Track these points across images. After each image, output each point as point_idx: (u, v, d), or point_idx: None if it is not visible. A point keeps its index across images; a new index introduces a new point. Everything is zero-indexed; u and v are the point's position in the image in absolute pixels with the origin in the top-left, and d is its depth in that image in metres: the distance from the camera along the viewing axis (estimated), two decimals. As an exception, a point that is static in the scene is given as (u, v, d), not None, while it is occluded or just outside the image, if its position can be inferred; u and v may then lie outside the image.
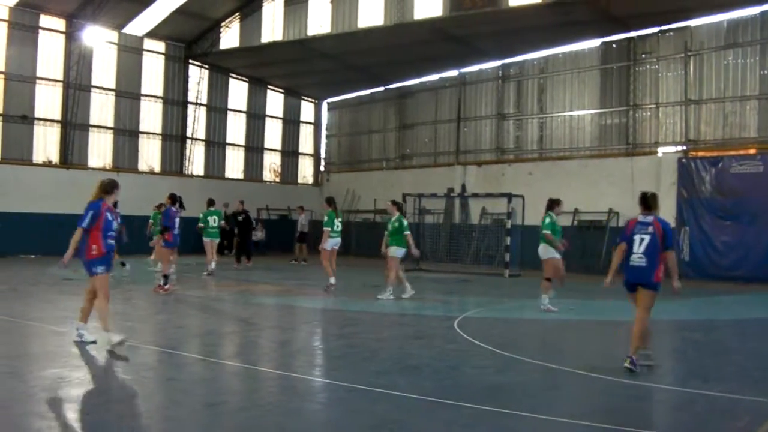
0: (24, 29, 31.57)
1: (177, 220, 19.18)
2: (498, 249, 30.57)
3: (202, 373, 9.53)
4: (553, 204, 17.05)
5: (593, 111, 32.57)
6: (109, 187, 11.08)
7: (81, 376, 8.89)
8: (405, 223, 18.72)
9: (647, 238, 10.23)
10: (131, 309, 15.70)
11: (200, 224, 24.11)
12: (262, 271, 26.56)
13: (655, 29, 30.47)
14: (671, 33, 30.24)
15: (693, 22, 29.59)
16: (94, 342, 10.54)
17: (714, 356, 12.18)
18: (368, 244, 36.73)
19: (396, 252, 18.41)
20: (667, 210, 28.68)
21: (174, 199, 19.45)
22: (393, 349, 11.59)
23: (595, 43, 32.38)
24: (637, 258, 10.26)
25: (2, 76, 31.09)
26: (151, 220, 25.39)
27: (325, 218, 19.70)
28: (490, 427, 7.33)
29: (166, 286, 18.34)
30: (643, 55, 30.98)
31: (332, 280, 19.51)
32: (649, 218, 10.44)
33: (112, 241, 10.85)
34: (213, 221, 24.29)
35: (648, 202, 10.69)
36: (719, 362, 11.59)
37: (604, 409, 8.23)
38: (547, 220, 16.55)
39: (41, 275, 22.58)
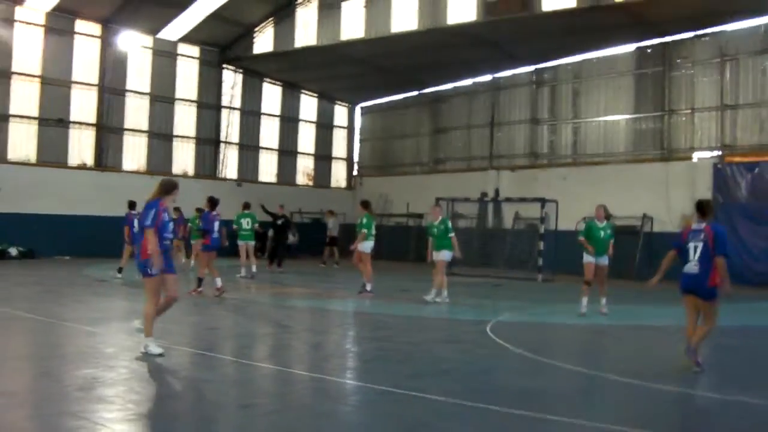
0: (60, 34, 31.91)
1: (216, 223, 19.12)
2: (531, 253, 30.41)
3: (235, 375, 9.56)
4: (596, 210, 17.40)
5: (628, 116, 32.36)
6: (169, 187, 10.83)
7: (114, 376, 8.94)
8: (450, 225, 18.78)
9: (700, 245, 10.32)
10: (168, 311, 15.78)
11: (234, 226, 24.16)
12: (294, 274, 26.62)
13: (691, 34, 30.24)
14: (707, 38, 30.00)
15: (729, 27, 29.32)
16: (161, 355, 10.12)
17: (751, 363, 12.04)
18: (400, 248, 36.78)
19: (445, 256, 18.37)
20: (702, 216, 28.44)
21: (213, 202, 19.42)
22: (425, 353, 11.57)
23: (629, 47, 32.18)
24: (692, 266, 10.40)
25: (38, 80, 31.40)
26: (190, 224, 25.48)
27: (363, 220, 19.41)
28: (522, 432, 7.31)
29: (199, 289, 18.41)
30: (679, 60, 30.75)
31: (369, 287, 19.37)
32: (702, 225, 10.41)
33: (167, 242, 10.65)
34: (246, 224, 24.36)
35: (703, 209, 10.73)
36: (756, 369, 11.46)
37: (639, 415, 8.16)
38: (583, 225, 16.75)
39: (76, 276, 22.78)
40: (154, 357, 9.98)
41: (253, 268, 23.92)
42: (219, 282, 18.13)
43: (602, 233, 16.94)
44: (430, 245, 18.79)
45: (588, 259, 16.68)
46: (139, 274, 10.41)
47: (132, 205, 22.18)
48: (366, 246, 19.36)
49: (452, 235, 18.47)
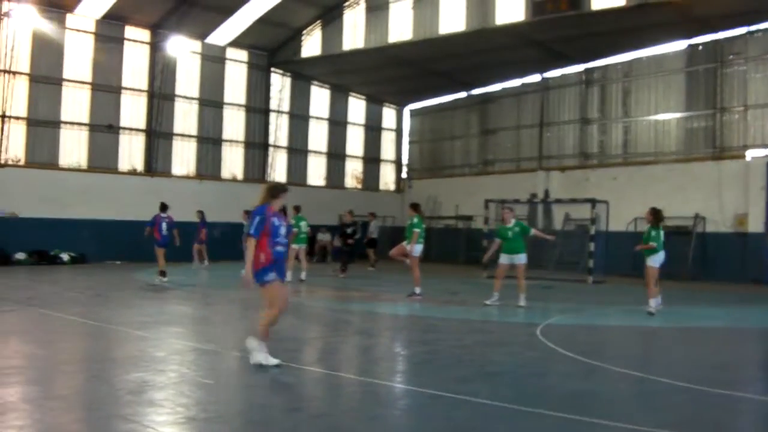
0: (109, 41, 32.31)
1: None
2: (581, 255, 30.19)
3: (284, 379, 9.54)
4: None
5: (679, 114, 32.02)
6: (275, 191, 10.32)
7: (164, 380, 8.98)
8: (526, 226, 18.88)
9: None
10: (214, 314, 15.86)
11: (294, 229, 23.85)
12: (342, 278, 26.59)
13: (743, 30, 29.85)
14: (760, 33, 29.59)
15: (782, 21, 28.97)
16: (278, 366, 9.76)
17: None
18: (449, 250, 36.71)
19: (523, 259, 18.15)
20: (757, 215, 28.11)
21: (298, 210, 19.16)
22: (474, 356, 11.49)
23: (680, 45, 31.85)
24: None
25: (89, 86, 31.80)
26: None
27: (414, 220, 19.11)
28: (573, 436, 7.21)
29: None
30: (731, 57, 30.35)
31: (418, 290, 19.25)
32: None
33: (281, 248, 10.09)
34: (304, 227, 24.18)
35: None
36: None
37: (692, 418, 8.02)
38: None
39: (126, 281, 22.98)
40: (269, 367, 9.67)
41: (303, 275, 23.81)
42: None
43: (651, 237, 17.29)
44: (493, 248, 18.63)
45: (649, 262, 17.25)
46: (255, 283, 9.84)
47: (164, 207, 22.33)
48: (416, 249, 19.20)
49: (533, 232, 18.84)
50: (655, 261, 17.08)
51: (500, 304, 18.01)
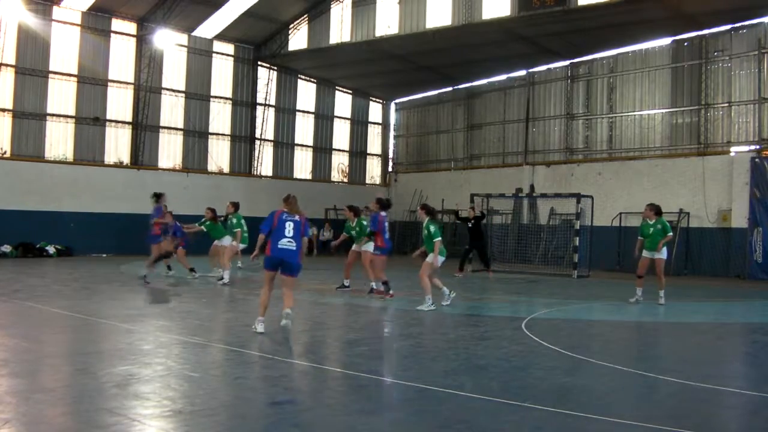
0: (96, 33, 32.25)
1: (386, 224, 18.32)
2: (566, 250, 30.29)
3: (270, 372, 9.57)
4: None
5: (664, 110, 32.17)
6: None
7: (150, 373, 8.98)
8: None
9: None
10: (200, 307, 15.86)
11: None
12: (332, 272, 26.51)
13: (728, 27, 29.99)
14: (744, 30, 29.76)
15: (766, 19, 29.05)
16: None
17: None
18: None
19: (664, 254, 18.17)
20: (740, 210, 28.26)
21: (382, 203, 18.36)
22: (460, 350, 11.52)
23: (666, 41, 31.98)
24: None
25: (75, 79, 31.74)
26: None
27: (432, 229, 16.34)
28: (558, 429, 7.25)
29: (390, 293, 18.05)
30: (716, 53, 30.49)
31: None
32: None
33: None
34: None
35: None
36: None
37: (675, 412, 8.07)
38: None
39: (113, 274, 22.94)
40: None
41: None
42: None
43: (651, 230, 17.92)
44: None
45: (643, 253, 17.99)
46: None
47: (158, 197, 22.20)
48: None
49: (670, 234, 18.14)
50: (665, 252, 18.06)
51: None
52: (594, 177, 32.94)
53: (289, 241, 11.96)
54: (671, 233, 17.45)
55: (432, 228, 16.32)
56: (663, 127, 32.28)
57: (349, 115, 42.59)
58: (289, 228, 11.94)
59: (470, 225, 25.94)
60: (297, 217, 12.14)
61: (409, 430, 7.16)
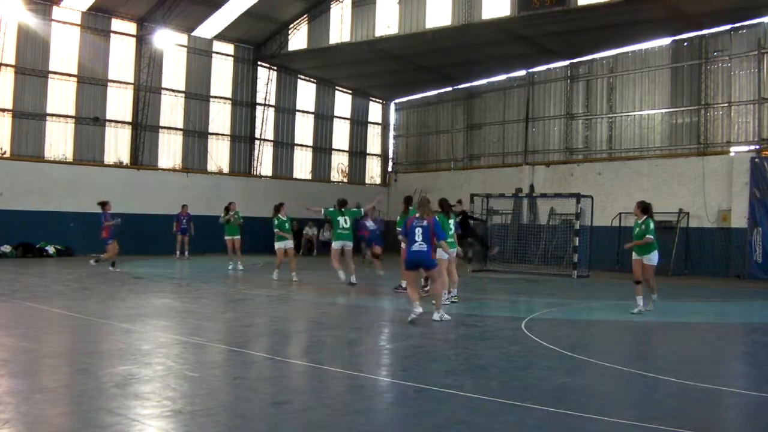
0: (96, 33, 32.23)
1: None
2: (566, 250, 30.28)
3: (270, 372, 9.57)
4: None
5: (664, 110, 32.16)
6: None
7: (150, 373, 8.99)
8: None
9: None
10: (200, 307, 15.85)
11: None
12: (332, 270, 26.41)
13: (728, 27, 29.99)
14: (744, 30, 29.76)
15: (766, 19, 29.06)
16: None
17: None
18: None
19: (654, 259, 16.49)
20: (739, 210, 28.26)
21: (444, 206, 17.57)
22: (460, 350, 11.53)
23: (665, 41, 31.97)
24: None
25: (75, 79, 31.73)
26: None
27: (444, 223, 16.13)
28: (558, 429, 7.25)
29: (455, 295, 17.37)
30: (715, 53, 30.49)
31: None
32: None
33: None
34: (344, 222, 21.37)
35: None
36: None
37: (675, 412, 8.07)
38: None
39: (113, 274, 22.93)
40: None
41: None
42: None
43: (637, 229, 16.46)
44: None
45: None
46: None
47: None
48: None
49: (649, 237, 16.18)
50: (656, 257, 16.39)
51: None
52: (594, 177, 32.94)
53: (420, 245, 13.93)
54: (651, 236, 15.99)
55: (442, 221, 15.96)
56: (663, 127, 32.27)
57: (348, 115, 42.57)
58: (418, 233, 13.93)
59: (458, 220, 25.57)
60: (425, 222, 13.97)
61: (408, 430, 7.15)
